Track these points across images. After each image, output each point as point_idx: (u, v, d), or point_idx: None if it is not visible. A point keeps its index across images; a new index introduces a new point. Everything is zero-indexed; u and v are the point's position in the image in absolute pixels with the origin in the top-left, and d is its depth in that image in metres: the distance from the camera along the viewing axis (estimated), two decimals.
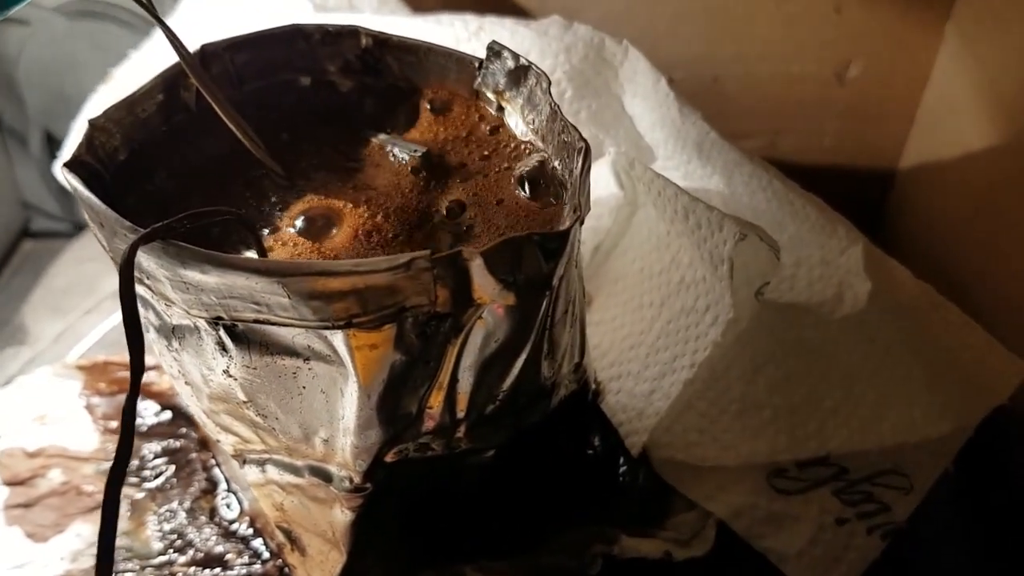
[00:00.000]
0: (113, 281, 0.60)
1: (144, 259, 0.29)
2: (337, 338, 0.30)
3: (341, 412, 0.33)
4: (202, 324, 0.31)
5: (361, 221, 0.35)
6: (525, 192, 0.35)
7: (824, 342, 0.43)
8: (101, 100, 0.61)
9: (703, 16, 0.65)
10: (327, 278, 0.28)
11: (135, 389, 0.27)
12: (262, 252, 0.33)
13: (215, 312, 0.30)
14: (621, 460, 0.45)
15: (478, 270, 0.29)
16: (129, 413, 0.27)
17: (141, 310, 0.35)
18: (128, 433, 0.26)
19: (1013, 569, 0.45)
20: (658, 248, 0.44)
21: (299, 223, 0.34)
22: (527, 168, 0.36)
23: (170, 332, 0.33)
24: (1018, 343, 0.43)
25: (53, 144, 0.77)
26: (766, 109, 0.69)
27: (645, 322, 0.44)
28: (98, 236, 0.32)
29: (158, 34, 0.60)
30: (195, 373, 0.34)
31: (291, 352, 0.31)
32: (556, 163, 0.36)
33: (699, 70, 0.67)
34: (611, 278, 0.47)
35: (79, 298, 0.60)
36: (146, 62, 0.61)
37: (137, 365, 0.28)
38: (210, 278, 0.29)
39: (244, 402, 0.34)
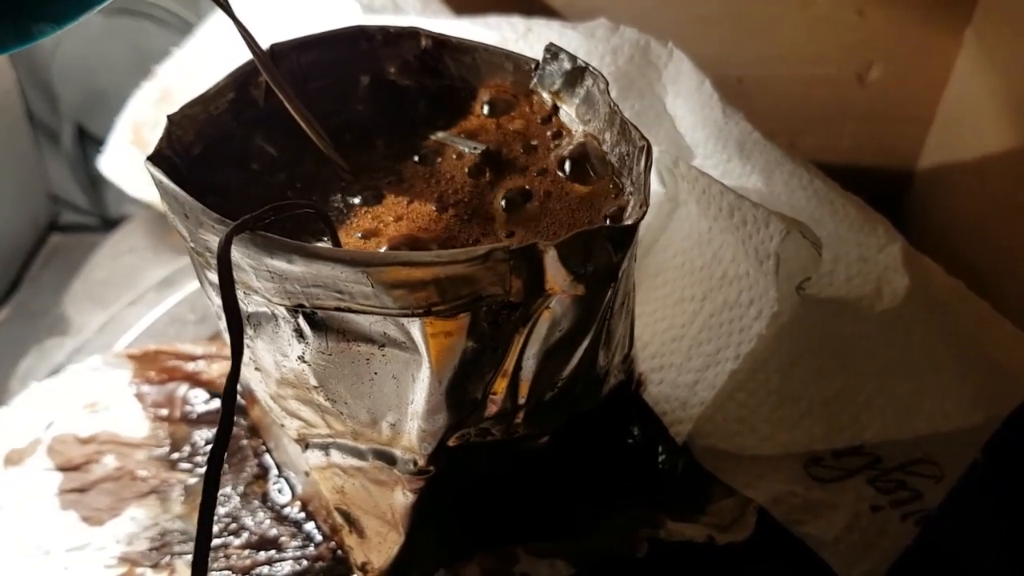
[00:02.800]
0: (153, 273, 0.62)
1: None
2: (414, 326, 0.31)
3: (411, 397, 0.34)
4: (281, 312, 0.33)
5: (420, 214, 0.37)
6: (565, 172, 0.37)
7: (860, 336, 0.44)
8: (144, 96, 0.62)
9: (728, 18, 0.67)
10: (410, 268, 0.29)
11: (235, 374, 0.29)
12: (337, 243, 0.34)
13: (297, 300, 0.32)
14: (660, 448, 0.46)
15: (551, 261, 0.30)
16: (229, 400, 0.28)
17: (215, 298, 0.36)
18: (227, 420, 0.28)
19: None
20: (700, 244, 0.46)
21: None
22: (570, 147, 0.38)
23: (245, 320, 0.35)
24: None
25: (85, 139, 0.78)
26: (788, 110, 0.71)
27: (687, 315, 0.46)
28: (179, 227, 0.34)
29: (201, 33, 0.62)
30: (267, 359, 0.36)
31: (367, 339, 0.32)
32: (614, 161, 0.37)
33: (723, 71, 0.68)
34: (651, 272, 0.48)
35: (120, 290, 0.61)
36: (189, 60, 0.62)
37: (237, 350, 0.29)
38: (296, 267, 0.30)
39: (315, 387, 0.35)
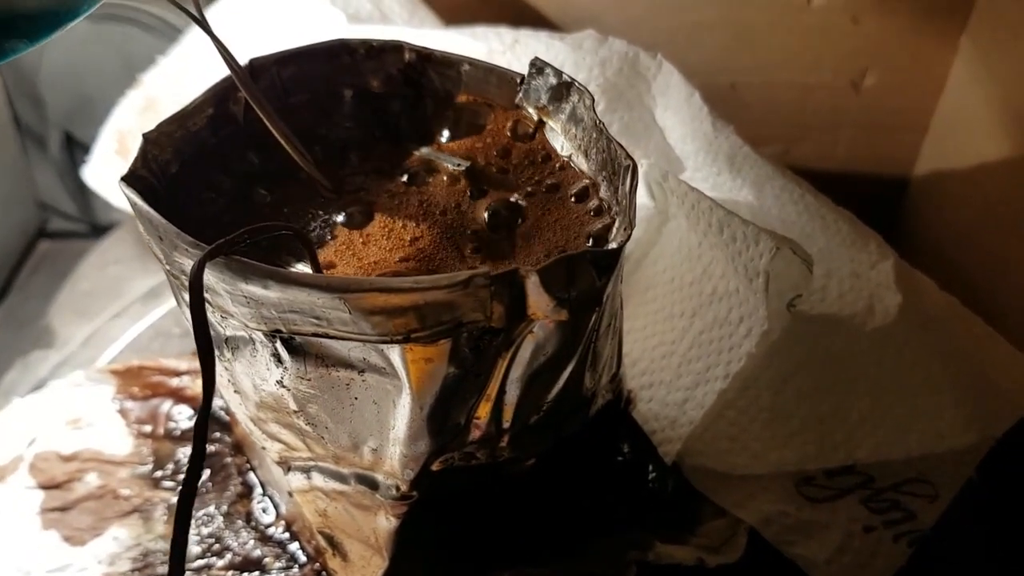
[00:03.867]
0: (139, 285, 0.62)
1: (205, 273, 0.30)
2: (394, 352, 0.30)
3: (392, 422, 0.33)
4: (258, 336, 0.32)
5: (403, 233, 0.36)
6: (549, 190, 0.37)
7: (852, 353, 0.43)
8: (129, 105, 0.62)
9: (723, 25, 0.66)
10: (388, 294, 0.29)
11: (208, 402, 0.28)
12: (316, 266, 0.33)
13: (274, 325, 0.31)
14: (650, 467, 0.45)
15: (533, 287, 0.30)
16: (201, 427, 0.27)
17: (191, 319, 0.36)
18: (200, 447, 0.27)
19: None
20: (689, 259, 0.45)
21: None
22: (554, 164, 0.38)
23: (223, 343, 0.34)
24: None
25: (72, 145, 0.77)
26: (782, 117, 0.70)
27: (676, 332, 0.45)
28: (155, 249, 0.33)
29: (185, 42, 0.61)
30: (246, 382, 0.35)
31: (346, 364, 0.32)
32: (599, 181, 0.36)
33: (717, 77, 0.68)
34: (640, 287, 0.48)
35: (105, 301, 0.61)
36: (174, 68, 0.61)
37: (209, 377, 0.28)
38: (272, 293, 0.29)
39: (295, 411, 0.35)
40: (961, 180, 0.64)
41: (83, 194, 0.77)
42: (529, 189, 0.38)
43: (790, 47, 0.67)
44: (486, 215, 0.37)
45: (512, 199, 0.37)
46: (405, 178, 0.38)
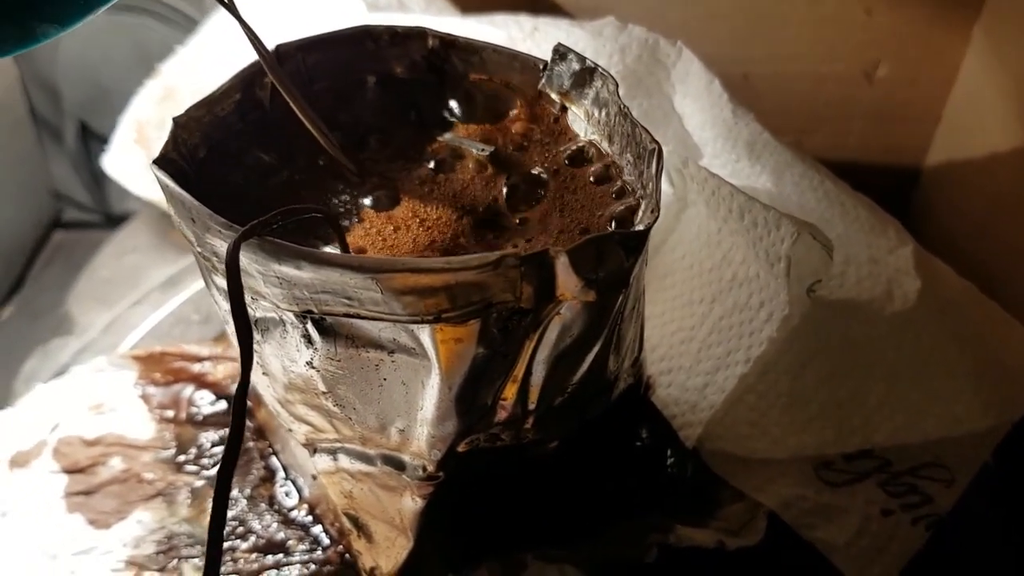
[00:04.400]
0: (158, 273, 0.62)
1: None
2: (424, 332, 0.31)
3: (420, 403, 0.34)
4: (289, 317, 0.32)
5: (429, 217, 0.36)
6: (575, 173, 0.37)
7: (871, 339, 0.44)
8: (148, 94, 0.62)
9: (736, 15, 0.66)
10: (419, 275, 0.29)
11: (245, 381, 0.28)
12: (345, 248, 0.34)
13: (305, 306, 0.31)
14: (669, 452, 0.46)
15: (563, 268, 0.30)
16: (239, 407, 0.28)
17: (222, 302, 0.36)
18: (238, 427, 0.27)
19: None
20: (708, 245, 0.46)
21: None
22: (576, 147, 0.38)
23: (252, 324, 0.34)
24: None
25: (88, 136, 0.78)
26: (795, 108, 0.70)
27: (696, 317, 0.45)
28: (186, 231, 0.33)
29: (204, 30, 0.62)
30: (275, 364, 0.36)
31: (376, 345, 0.32)
32: (623, 164, 0.37)
33: (730, 68, 0.67)
34: (659, 274, 0.48)
35: (125, 289, 0.61)
36: (192, 57, 0.62)
37: (247, 359, 0.29)
38: (304, 274, 0.30)
39: (323, 392, 0.35)
40: (973, 170, 0.64)
41: (98, 184, 0.77)
42: (553, 171, 0.38)
43: (803, 38, 0.67)
44: (505, 190, 0.37)
45: (534, 174, 0.38)
46: (431, 163, 0.39)
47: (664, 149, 0.34)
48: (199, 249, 0.33)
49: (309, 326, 0.32)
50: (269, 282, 0.31)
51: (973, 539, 0.46)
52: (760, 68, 0.68)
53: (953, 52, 0.66)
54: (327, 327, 0.32)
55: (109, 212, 0.78)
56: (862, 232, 0.45)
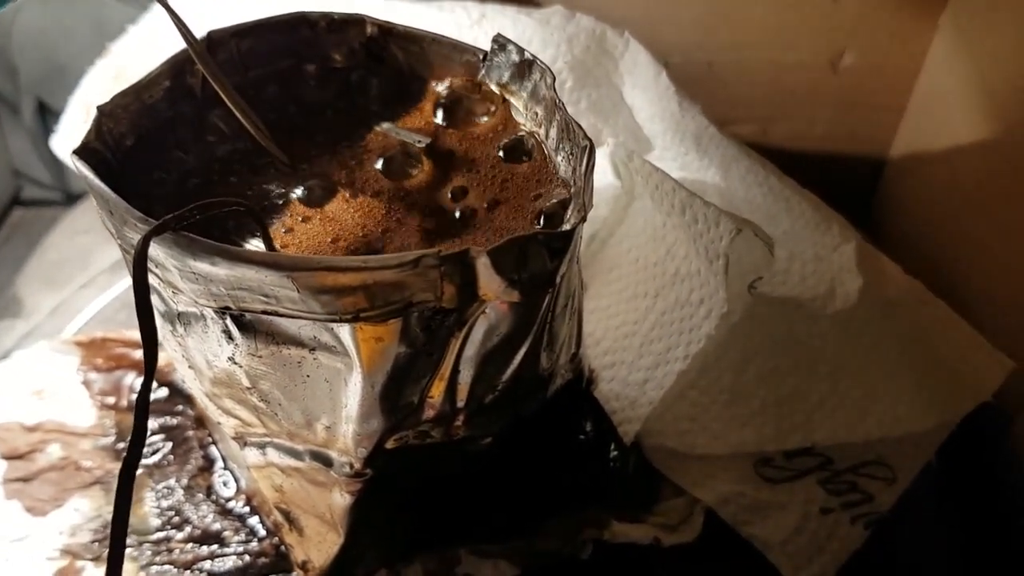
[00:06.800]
0: (108, 254, 0.61)
1: (154, 248, 0.30)
2: (344, 331, 0.30)
3: (344, 401, 0.33)
4: (209, 313, 0.32)
5: (361, 210, 0.36)
6: (510, 166, 0.37)
7: (813, 336, 0.44)
8: (98, 74, 0.61)
9: (701, 2, 0.65)
10: (336, 273, 0.28)
11: (149, 377, 0.28)
12: (269, 242, 0.33)
13: (223, 302, 0.31)
14: (612, 446, 0.46)
15: (484, 268, 0.29)
16: (142, 403, 0.27)
17: None
18: (142, 423, 0.27)
19: (991, 558, 0.46)
20: (654, 239, 0.45)
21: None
22: (512, 138, 0.37)
23: (175, 318, 0.34)
24: (1002, 338, 0.44)
25: (45, 113, 0.76)
26: (759, 96, 0.70)
27: (639, 312, 0.45)
28: (107, 223, 0.33)
29: (156, 10, 0.60)
30: (199, 358, 0.35)
31: (297, 342, 0.32)
32: (558, 159, 0.36)
33: (694, 56, 0.67)
34: (606, 267, 0.48)
35: (73, 271, 0.60)
36: (144, 37, 0.60)
37: (151, 355, 0.28)
38: (220, 270, 0.29)
39: (247, 388, 0.34)
40: (937, 161, 0.64)
41: (56, 162, 0.76)
42: (489, 165, 0.37)
43: (767, 26, 0.66)
44: (445, 189, 0.36)
45: (473, 176, 0.37)
46: (365, 155, 0.38)
47: (611, 141, 0.34)
48: (119, 241, 0.33)
49: (228, 322, 0.32)
50: (186, 277, 0.30)
51: (915, 539, 0.46)
52: (724, 56, 0.68)
53: (919, 41, 0.65)
54: (247, 323, 0.32)
55: (68, 191, 0.76)
56: (807, 228, 0.45)
